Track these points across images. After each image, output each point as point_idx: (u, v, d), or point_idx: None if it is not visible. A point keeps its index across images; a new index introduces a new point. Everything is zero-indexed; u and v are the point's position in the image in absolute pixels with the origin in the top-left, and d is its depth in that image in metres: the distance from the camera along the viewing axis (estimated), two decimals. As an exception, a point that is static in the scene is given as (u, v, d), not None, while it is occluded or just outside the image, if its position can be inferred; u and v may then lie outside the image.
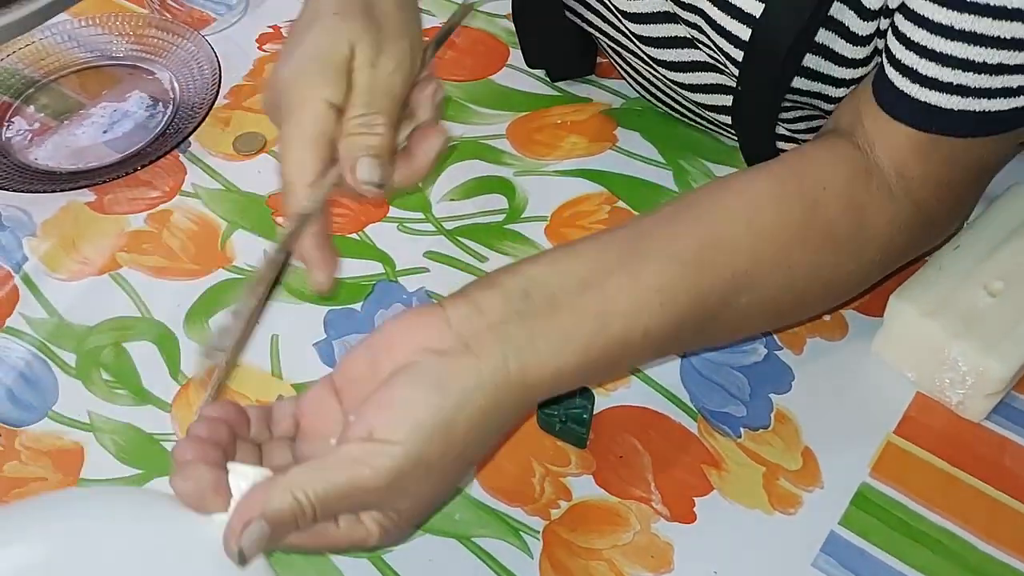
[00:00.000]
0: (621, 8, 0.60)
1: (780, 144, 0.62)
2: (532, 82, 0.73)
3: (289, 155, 0.47)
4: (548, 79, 0.73)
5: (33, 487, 0.52)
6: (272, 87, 0.49)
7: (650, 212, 0.49)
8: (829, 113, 0.56)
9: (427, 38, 0.53)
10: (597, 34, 0.67)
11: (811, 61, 0.53)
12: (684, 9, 0.56)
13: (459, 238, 0.64)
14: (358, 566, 0.49)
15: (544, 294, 0.43)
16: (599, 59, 0.73)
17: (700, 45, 0.58)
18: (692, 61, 0.60)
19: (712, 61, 0.58)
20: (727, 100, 0.60)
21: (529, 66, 0.73)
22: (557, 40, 0.69)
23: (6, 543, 0.40)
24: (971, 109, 0.47)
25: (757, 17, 0.52)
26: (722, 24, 0.53)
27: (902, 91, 0.48)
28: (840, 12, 0.50)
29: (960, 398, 0.53)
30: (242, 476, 0.41)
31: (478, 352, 0.41)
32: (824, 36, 0.51)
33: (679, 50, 0.60)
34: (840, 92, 0.55)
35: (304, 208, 0.47)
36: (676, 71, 0.62)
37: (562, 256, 0.45)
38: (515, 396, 0.42)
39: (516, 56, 0.75)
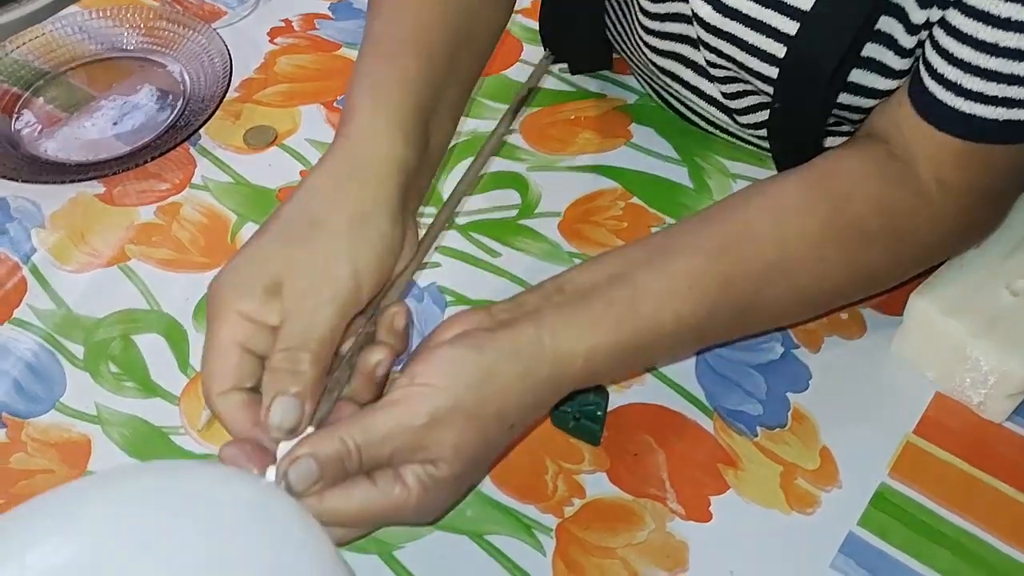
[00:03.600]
0: (643, 24, 0.60)
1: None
2: (545, 77, 0.73)
3: (204, 363, 0.44)
4: (562, 74, 0.73)
5: (39, 479, 0.52)
6: (208, 291, 0.46)
7: (681, 219, 0.51)
8: (861, 122, 0.56)
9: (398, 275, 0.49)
10: (617, 42, 0.66)
11: (856, 76, 0.52)
12: (711, 33, 0.55)
13: (471, 233, 0.63)
14: (370, 563, 0.48)
15: (576, 288, 0.46)
16: (615, 55, 0.72)
17: (727, 67, 0.57)
18: (721, 76, 0.59)
19: (738, 76, 0.58)
20: (762, 115, 0.60)
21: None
22: (581, 33, 0.69)
23: (50, 533, 0.37)
24: (1015, 119, 0.46)
25: (792, 35, 0.51)
26: (755, 44, 0.53)
27: (944, 103, 0.48)
28: (888, 25, 0.50)
29: (981, 398, 0.52)
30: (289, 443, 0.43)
31: (514, 327, 0.44)
32: (872, 49, 0.51)
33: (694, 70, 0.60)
34: (877, 102, 0.54)
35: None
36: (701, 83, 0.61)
37: (594, 260, 0.49)
38: (549, 368, 0.44)
39: (529, 51, 0.75)
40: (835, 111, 0.55)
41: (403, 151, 0.47)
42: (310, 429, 0.44)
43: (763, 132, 0.61)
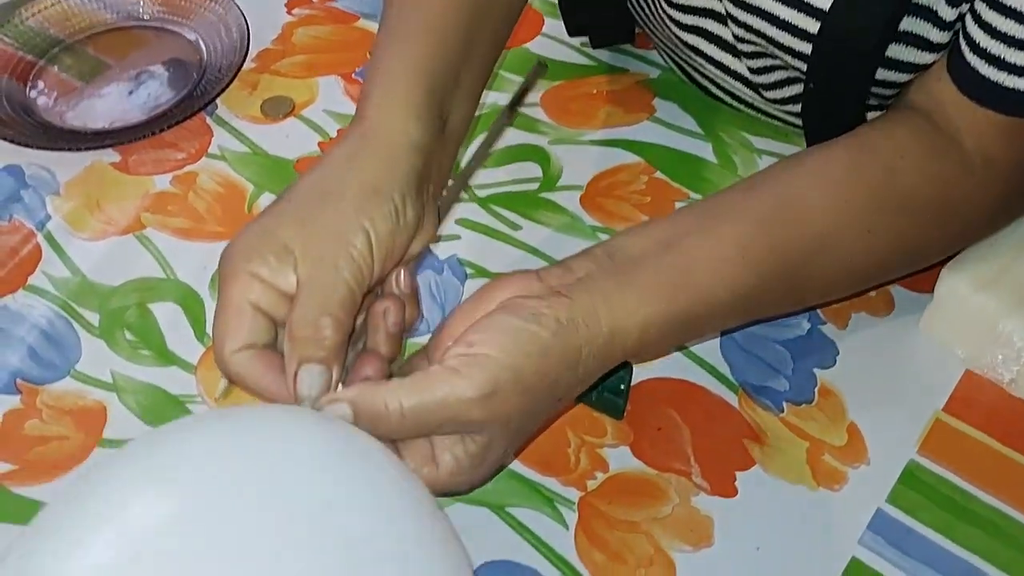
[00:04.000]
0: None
1: None
2: (567, 51, 0.72)
3: (215, 322, 0.44)
4: (583, 48, 0.72)
5: (54, 445, 0.51)
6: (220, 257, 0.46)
7: (728, 186, 0.50)
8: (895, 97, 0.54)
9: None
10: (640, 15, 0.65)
11: (894, 50, 0.51)
12: (741, 8, 0.54)
13: (492, 206, 0.62)
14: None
15: (626, 255, 0.45)
16: (637, 29, 0.71)
17: (755, 42, 0.56)
18: (749, 52, 0.58)
19: (766, 51, 0.56)
20: (792, 90, 0.59)
21: (570, 34, 0.71)
22: (602, 6, 0.68)
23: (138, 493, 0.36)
24: None
25: (826, 10, 0.50)
26: (787, 19, 0.52)
27: (987, 78, 0.47)
28: None
29: (1013, 375, 0.52)
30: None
31: (569, 295, 0.43)
32: (910, 23, 0.49)
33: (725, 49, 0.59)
34: (911, 77, 0.53)
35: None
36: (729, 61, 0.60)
37: (640, 228, 0.48)
38: (603, 341, 0.43)
39: (551, 25, 0.73)
40: (876, 89, 0.54)
41: (416, 133, 0.47)
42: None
43: (791, 107, 0.60)
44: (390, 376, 0.45)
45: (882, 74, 0.52)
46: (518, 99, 0.58)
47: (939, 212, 0.49)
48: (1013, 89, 0.46)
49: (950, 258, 0.54)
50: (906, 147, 0.49)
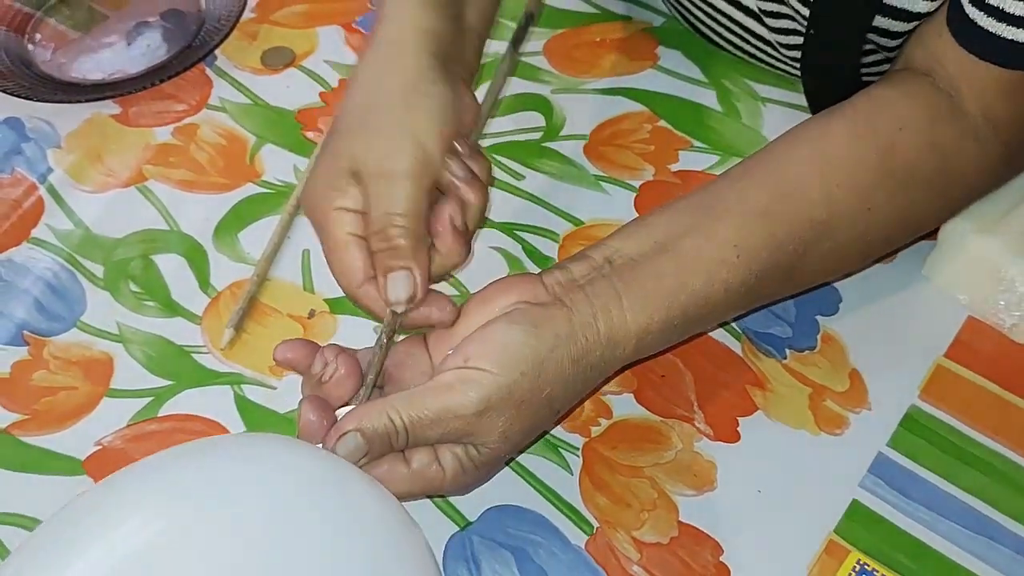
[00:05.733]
0: None
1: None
2: (570, -1, 0.71)
3: (332, 265, 0.46)
4: (586, -4, 0.71)
5: (62, 396, 0.51)
6: (303, 209, 0.48)
7: (725, 172, 0.49)
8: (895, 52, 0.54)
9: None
10: None
11: None
12: None
13: (495, 155, 0.62)
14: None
15: (624, 260, 0.45)
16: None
17: None
18: None
19: None
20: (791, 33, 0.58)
21: None
22: None
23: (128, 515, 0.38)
24: None
25: None
26: None
27: (987, 30, 0.46)
28: None
29: (1016, 320, 0.52)
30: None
31: (571, 305, 0.43)
32: None
33: None
34: (910, 27, 0.52)
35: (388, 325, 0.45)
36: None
37: (637, 227, 0.47)
38: (601, 352, 0.44)
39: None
40: (870, 35, 0.53)
41: (433, 21, 0.47)
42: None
43: (794, 54, 0.60)
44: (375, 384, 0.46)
45: (879, 21, 0.51)
46: (520, 34, 0.57)
47: (941, 182, 0.49)
48: (1012, 40, 0.46)
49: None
50: (905, 118, 0.48)
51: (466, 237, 0.46)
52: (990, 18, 0.46)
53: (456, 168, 0.46)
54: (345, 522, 0.38)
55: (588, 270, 0.45)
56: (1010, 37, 0.46)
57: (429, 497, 0.48)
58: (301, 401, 0.44)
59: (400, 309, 0.44)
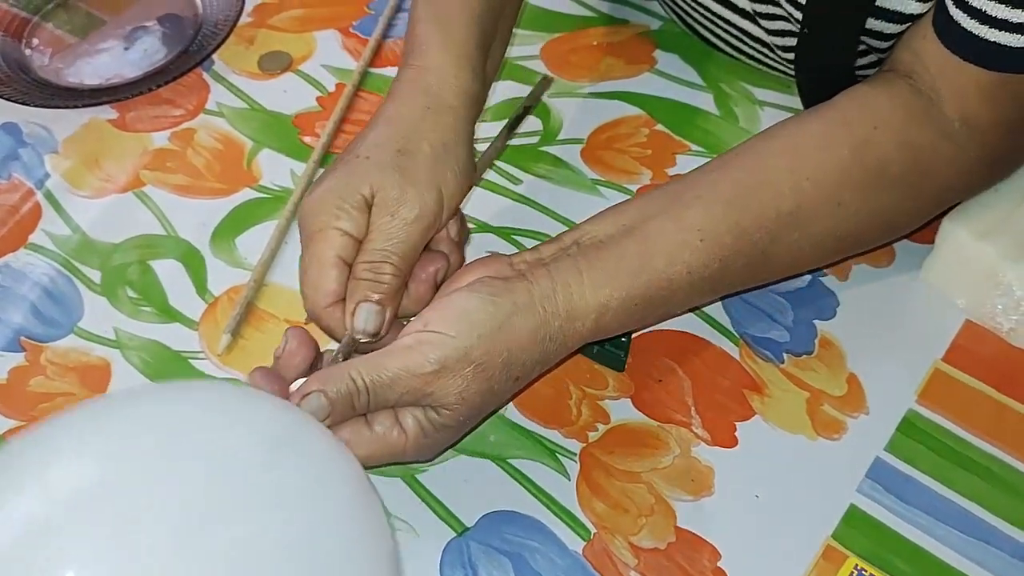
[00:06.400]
0: None
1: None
2: (567, 3, 0.71)
3: (306, 277, 0.47)
4: (584, 0, 0.71)
5: (59, 401, 0.51)
6: (299, 215, 0.49)
7: (703, 164, 0.50)
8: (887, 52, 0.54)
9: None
10: None
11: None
12: None
13: (493, 160, 0.62)
14: (393, 486, 0.48)
15: (592, 240, 0.47)
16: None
17: None
18: None
19: None
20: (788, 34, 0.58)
21: None
22: None
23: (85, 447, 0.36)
24: None
25: None
26: None
27: (970, 32, 0.46)
28: None
29: (1013, 324, 0.52)
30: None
31: (532, 280, 0.45)
32: None
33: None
34: (902, 28, 0.52)
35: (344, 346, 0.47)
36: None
37: (610, 212, 0.49)
38: (560, 324, 0.45)
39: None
40: (863, 37, 0.53)
41: (472, 85, 0.50)
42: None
43: (790, 56, 0.60)
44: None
45: (872, 23, 0.51)
46: (520, 118, 0.60)
47: (914, 181, 0.49)
48: (994, 43, 0.46)
49: (951, 208, 0.53)
50: (882, 117, 0.49)
51: (435, 292, 0.49)
52: (973, 20, 0.46)
53: (453, 230, 0.49)
54: (308, 474, 0.37)
55: (556, 251, 0.47)
56: (992, 39, 0.46)
57: (394, 464, 0.47)
58: (251, 373, 0.45)
59: (362, 339, 0.46)
